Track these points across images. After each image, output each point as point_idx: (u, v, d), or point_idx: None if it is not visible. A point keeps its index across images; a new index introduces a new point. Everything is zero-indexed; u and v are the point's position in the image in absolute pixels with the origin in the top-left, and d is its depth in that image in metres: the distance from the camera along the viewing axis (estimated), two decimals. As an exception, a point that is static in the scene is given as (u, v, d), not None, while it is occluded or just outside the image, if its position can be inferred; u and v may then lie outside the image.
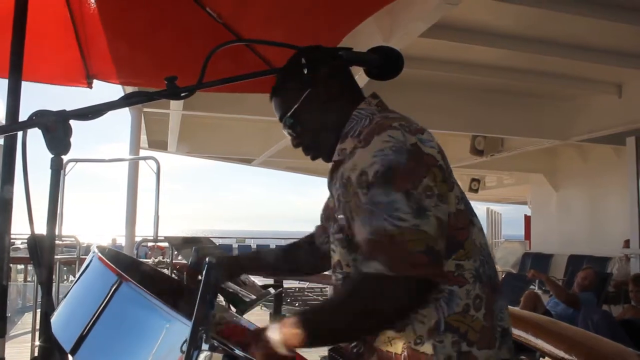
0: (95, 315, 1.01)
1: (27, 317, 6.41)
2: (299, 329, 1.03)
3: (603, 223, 9.04)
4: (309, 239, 1.56)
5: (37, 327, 4.17)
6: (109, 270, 1.07)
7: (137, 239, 5.87)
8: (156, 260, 4.95)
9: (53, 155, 1.00)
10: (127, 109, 5.83)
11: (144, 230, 6.68)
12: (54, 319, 1.06)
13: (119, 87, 5.11)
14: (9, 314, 2.27)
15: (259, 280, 3.85)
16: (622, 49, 5.35)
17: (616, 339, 2.12)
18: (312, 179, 13.17)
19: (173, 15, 2.33)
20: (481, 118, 7.45)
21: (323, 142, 1.25)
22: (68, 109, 1.03)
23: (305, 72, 1.20)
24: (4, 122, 1.90)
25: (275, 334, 1.05)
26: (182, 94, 1.12)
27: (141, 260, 3.97)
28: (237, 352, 0.94)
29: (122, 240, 6.54)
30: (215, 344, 0.91)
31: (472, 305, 1.10)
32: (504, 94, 7.25)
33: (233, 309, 2.61)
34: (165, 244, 6.78)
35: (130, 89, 4.73)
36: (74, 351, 1.00)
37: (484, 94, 7.17)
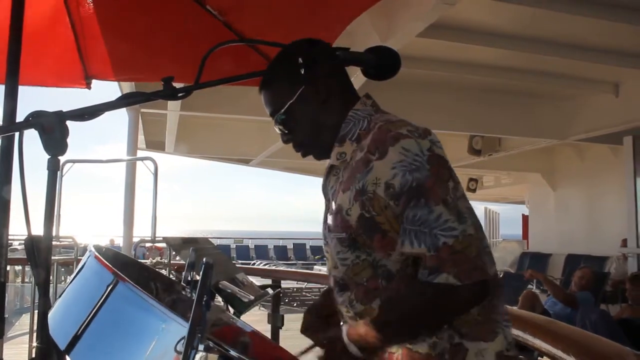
0: (91, 314, 1.00)
1: (25, 319, 6.39)
2: (377, 337, 1.09)
3: (600, 222, 9.06)
4: None
5: (35, 328, 4.16)
6: (105, 269, 1.07)
7: (135, 239, 5.86)
8: (154, 260, 4.94)
9: (50, 156, 0.99)
10: (124, 109, 5.82)
11: (141, 230, 6.66)
12: (48, 317, 1.06)
13: (116, 88, 5.11)
14: (6, 315, 2.26)
15: (257, 281, 3.85)
16: (619, 49, 5.36)
17: (614, 338, 2.13)
18: (310, 179, 13.19)
19: (172, 14, 2.32)
20: (479, 118, 7.46)
21: (316, 140, 1.23)
22: (65, 110, 1.02)
23: (302, 69, 1.18)
24: (0, 124, 1.89)
25: (356, 337, 1.10)
26: (179, 94, 1.12)
27: (139, 260, 3.96)
28: (232, 353, 0.94)
29: (120, 241, 6.52)
30: (211, 345, 0.91)
31: None
32: (501, 94, 7.26)
33: (231, 310, 2.61)
34: (163, 245, 6.76)
35: (127, 89, 4.73)
36: (68, 350, 0.99)
37: (481, 93, 7.18)
